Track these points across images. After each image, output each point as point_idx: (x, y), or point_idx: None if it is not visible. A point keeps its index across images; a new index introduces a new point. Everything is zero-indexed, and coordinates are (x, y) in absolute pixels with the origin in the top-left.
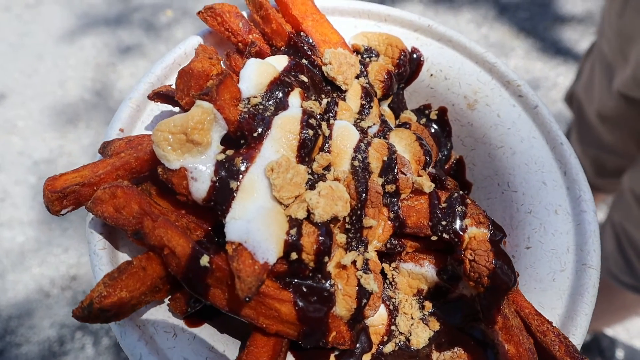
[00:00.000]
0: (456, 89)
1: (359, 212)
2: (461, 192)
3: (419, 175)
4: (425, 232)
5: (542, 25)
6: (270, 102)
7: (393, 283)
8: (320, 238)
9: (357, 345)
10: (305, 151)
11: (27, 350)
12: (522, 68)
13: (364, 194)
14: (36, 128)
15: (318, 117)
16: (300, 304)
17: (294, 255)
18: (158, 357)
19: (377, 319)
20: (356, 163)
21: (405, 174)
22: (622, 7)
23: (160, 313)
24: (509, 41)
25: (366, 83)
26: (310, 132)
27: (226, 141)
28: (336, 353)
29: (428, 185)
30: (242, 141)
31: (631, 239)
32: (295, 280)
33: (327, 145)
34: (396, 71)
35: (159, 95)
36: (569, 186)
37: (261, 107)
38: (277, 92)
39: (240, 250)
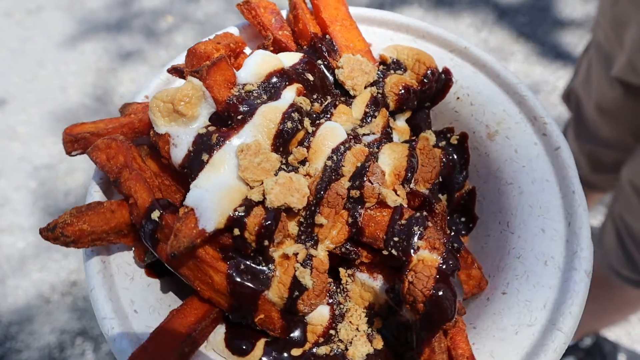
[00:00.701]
0: (480, 116)
1: (313, 208)
2: (425, 214)
3: (394, 189)
4: (379, 244)
5: (541, 29)
6: (264, 92)
7: (345, 290)
8: (265, 221)
9: (290, 336)
10: (280, 141)
11: (27, 356)
12: (521, 72)
13: (322, 192)
14: (37, 133)
15: (304, 112)
16: (234, 277)
17: (236, 231)
18: (108, 293)
19: (316, 317)
20: (329, 163)
21: (372, 183)
22: None
23: (127, 258)
24: (508, 45)
25: (378, 93)
26: (290, 124)
27: (215, 120)
28: (268, 339)
29: (393, 200)
30: (229, 122)
31: (631, 232)
32: (236, 256)
33: (307, 141)
34: (419, 88)
35: (175, 70)
36: (569, 239)
37: (253, 94)
38: (272, 84)
39: (188, 214)
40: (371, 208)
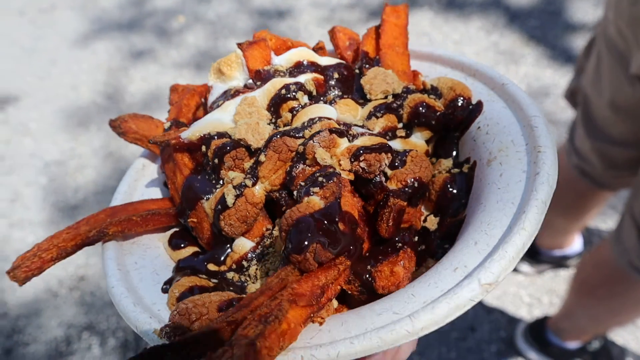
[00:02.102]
0: (489, 145)
1: (262, 149)
2: (339, 173)
3: (338, 158)
4: (294, 189)
5: (552, 33)
6: (288, 74)
7: (272, 235)
8: (221, 144)
9: (213, 252)
10: (273, 102)
11: (34, 349)
12: (532, 75)
13: (273, 138)
14: (48, 130)
15: (305, 90)
16: (188, 181)
17: (203, 148)
18: (131, 184)
19: (238, 246)
20: (298, 125)
21: (314, 142)
22: None
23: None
24: (519, 48)
25: (395, 103)
26: (284, 91)
27: (248, 86)
28: (198, 250)
29: (322, 158)
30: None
31: None
32: (198, 167)
33: (296, 110)
34: (442, 111)
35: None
36: (491, 253)
37: (280, 73)
38: (297, 69)
39: (184, 129)
40: (309, 165)
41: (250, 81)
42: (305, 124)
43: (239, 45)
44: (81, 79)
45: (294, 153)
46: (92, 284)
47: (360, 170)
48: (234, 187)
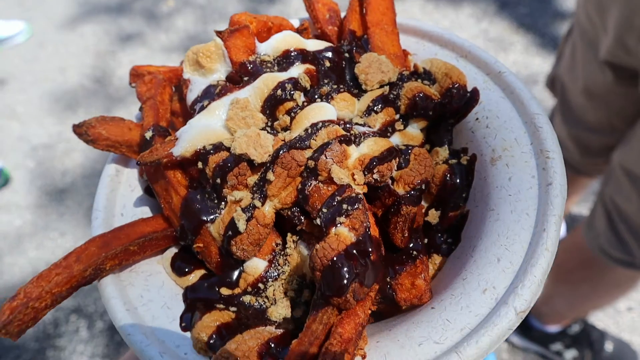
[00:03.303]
0: (490, 140)
1: (269, 165)
2: (361, 195)
3: (352, 173)
4: (313, 214)
5: (542, 20)
6: (277, 65)
7: (286, 254)
8: (222, 162)
9: (225, 276)
10: (269, 104)
11: None
12: (521, 63)
13: (280, 152)
14: (35, 114)
15: (300, 87)
16: (187, 202)
17: (200, 164)
18: (109, 194)
19: (251, 267)
20: (302, 133)
21: (327, 158)
22: None
23: (137, 173)
24: (508, 36)
25: (392, 93)
26: (279, 92)
27: (230, 79)
28: (206, 273)
29: (339, 177)
30: (240, 82)
31: (622, 214)
32: (198, 188)
33: (294, 112)
34: (438, 100)
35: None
36: (518, 274)
37: (267, 64)
38: (286, 59)
39: (172, 140)
40: (323, 182)
41: (233, 71)
42: (310, 131)
43: (219, 34)
44: (69, 63)
45: (303, 167)
46: None
47: (373, 182)
48: (243, 211)
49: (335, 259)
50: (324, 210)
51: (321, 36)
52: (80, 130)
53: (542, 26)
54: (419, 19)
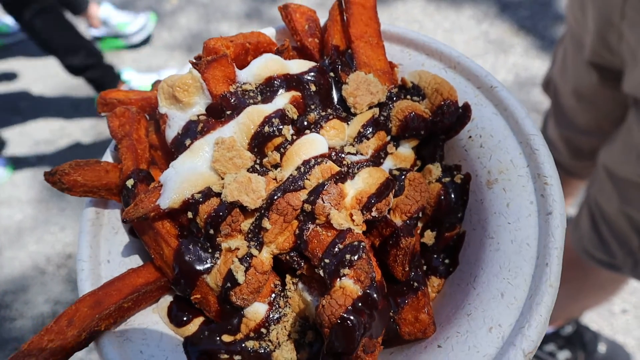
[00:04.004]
0: (485, 161)
1: (263, 212)
2: (363, 242)
3: (350, 214)
4: (315, 262)
5: (542, 23)
6: (260, 94)
7: (287, 296)
8: (214, 212)
9: (225, 323)
10: (256, 142)
11: (20, 324)
12: (520, 65)
13: (275, 197)
14: (38, 109)
15: (288, 120)
16: (179, 254)
17: (189, 214)
18: (92, 240)
19: (252, 313)
20: (295, 173)
21: (324, 202)
22: None
23: (119, 213)
24: (508, 38)
25: (382, 115)
26: (267, 128)
27: (211, 111)
28: (205, 320)
29: (338, 223)
30: (222, 115)
31: (604, 214)
32: (190, 237)
33: (284, 147)
34: (430, 118)
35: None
36: (524, 312)
37: (249, 94)
38: (270, 87)
39: (156, 188)
40: (321, 225)
41: (212, 102)
42: (303, 170)
43: (195, 65)
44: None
45: (299, 210)
46: None
47: (372, 218)
48: (240, 261)
49: (343, 315)
50: (326, 260)
51: (301, 49)
52: (54, 179)
53: (542, 29)
54: (402, 26)
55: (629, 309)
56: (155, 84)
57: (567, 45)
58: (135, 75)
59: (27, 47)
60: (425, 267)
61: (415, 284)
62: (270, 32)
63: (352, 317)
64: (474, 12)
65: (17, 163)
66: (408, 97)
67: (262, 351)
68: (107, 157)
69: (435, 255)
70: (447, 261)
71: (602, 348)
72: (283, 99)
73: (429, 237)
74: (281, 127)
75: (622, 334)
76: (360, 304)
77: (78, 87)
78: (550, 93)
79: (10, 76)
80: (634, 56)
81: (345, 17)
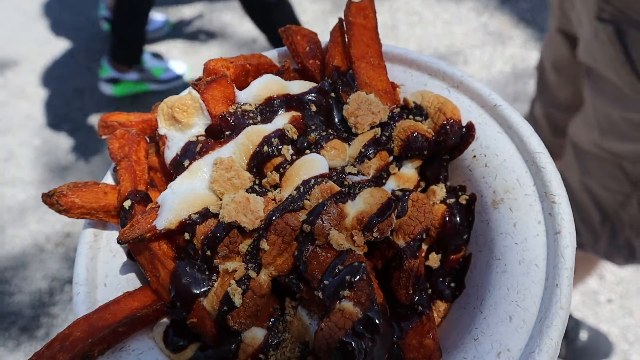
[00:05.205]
0: (490, 181)
1: (261, 232)
2: (364, 263)
3: (351, 234)
4: (314, 284)
5: (542, 15)
6: (260, 114)
7: (286, 320)
8: (211, 233)
9: (222, 348)
10: (255, 162)
11: (19, 299)
12: (518, 57)
13: (273, 218)
14: (44, 94)
15: (287, 140)
16: (176, 277)
17: (186, 235)
18: (89, 262)
19: (250, 338)
20: (294, 193)
21: (323, 222)
22: None
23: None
24: (507, 30)
25: (384, 135)
26: (266, 148)
27: (210, 132)
28: (202, 345)
29: (338, 244)
30: (221, 136)
31: (569, 187)
32: (187, 259)
33: (283, 167)
34: (433, 138)
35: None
36: (533, 335)
37: (249, 114)
38: (269, 108)
39: (153, 209)
40: (320, 246)
41: (212, 123)
42: (302, 190)
43: (195, 86)
44: (80, 47)
45: (298, 231)
46: (76, 240)
47: (373, 239)
48: (238, 283)
49: (343, 339)
50: (326, 282)
51: (302, 70)
52: (51, 201)
53: (542, 21)
54: (405, 47)
55: (615, 299)
56: (156, 106)
57: (551, 18)
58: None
59: (36, 33)
60: (430, 291)
61: (420, 307)
62: (272, 54)
63: (351, 341)
64: (474, 4)
65: (22, 145)
66: (410, 117)
67: None
68: (108, 179)
69: (440, 279)
70: (453, 284)
71: (583, 336)
72: (283, 119)
73: (434, 259)
74: (280, 147)
75: (606, 323)
76: (360, 327)
77: (83, 74)
78: (538, 72)
79: (19, 62)
80: (580, 22)
81: (346, 38)
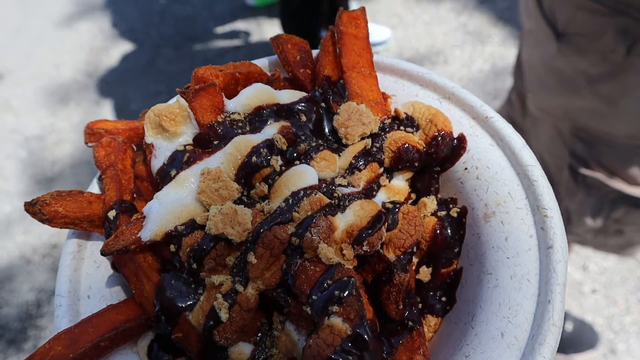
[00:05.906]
0: (482, 193)
1: (249, 245)
2: (353, 278)
3: (340, 248)
4: (302, 299)
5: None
6: (249, 124)
7: (274, 335)
8: (196, 245)
9: None
10: (243, 173)
11: (6, 312)
12: (497, 55)
13: (261, 230)
14: (29, 107)
15: (276, 150)
16: (161, 290)
17: (172, 247)
18: (72, 274)
19: (236, 353)
20: (283, 205)
21: (312, 235)
22: None
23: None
24: (486, 29)
25: (374, 146)
26: (254, 158)
27: (198, 141)
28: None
29: (327, 257)
30: (210, 145)
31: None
32: (172, 271)
33: (272, 178)
34: (424, 150)
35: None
36: (525, 353)
37: (238, 124)
38: (258, 117)
39: (138, 220)
40: (309, 260)
41: (200, 132)
42: (291, 202)
43: (183, 94)
44: (64, 58)
45: (287, 244)
46: None
47: (363, 253)
48: (224, 297)
49: (330, 356)
50: (314, 297)
51: (292, 79)
52: (34, 210)
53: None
54: (396, 58)
55: (599, 289)
56: (144, 113)
57: None
58: None
59: (20, 46)
60: (420, 306)
61: (410, 323)
62: (262, 63)
63: (340, 358)
64: (453, 4)
65: (8, 158)
66: (402, 128)
67: None
68: (94, 187)
69: (431, 293)
70: (443, 299)
71: (568, 327)
72: (272, 129)
73: (425, 273)
74: (269, 157)
75: (591, 313)
76: (349, 344)
77: (68, 85)
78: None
79: (3, 75)
80: None
81: (337, 48)
